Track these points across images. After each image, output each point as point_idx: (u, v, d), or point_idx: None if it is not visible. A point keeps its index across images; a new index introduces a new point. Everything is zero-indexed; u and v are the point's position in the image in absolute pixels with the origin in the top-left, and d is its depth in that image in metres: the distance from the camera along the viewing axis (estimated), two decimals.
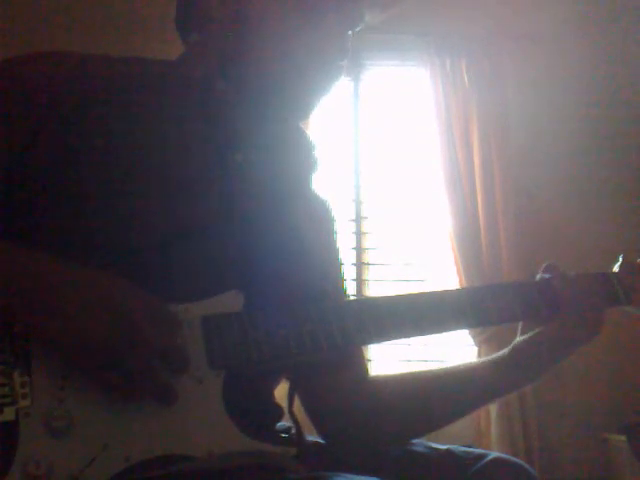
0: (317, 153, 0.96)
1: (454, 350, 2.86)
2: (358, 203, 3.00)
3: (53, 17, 2.80)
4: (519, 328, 0.96)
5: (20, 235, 0.76)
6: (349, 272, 2.93)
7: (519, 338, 0.94)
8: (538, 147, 2.91)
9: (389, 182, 3.00)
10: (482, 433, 2.75)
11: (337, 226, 1.00)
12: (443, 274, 2.84)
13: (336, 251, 0.99)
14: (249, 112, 0.87)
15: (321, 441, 0.94)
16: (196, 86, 0.87)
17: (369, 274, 2.97)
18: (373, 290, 2.97)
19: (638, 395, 2.71)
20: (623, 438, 2.58)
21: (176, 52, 0.94)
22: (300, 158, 0.95)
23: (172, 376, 0.71)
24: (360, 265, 2.96)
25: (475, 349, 2.75)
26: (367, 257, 2.98)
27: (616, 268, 0.97)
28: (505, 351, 0.94)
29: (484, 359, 0.96)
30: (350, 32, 0.91)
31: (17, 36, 2.62)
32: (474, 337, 2.74)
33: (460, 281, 2.79)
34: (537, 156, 2.91)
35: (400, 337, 0.83)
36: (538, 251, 2.73)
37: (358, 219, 2.99)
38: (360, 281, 2.95)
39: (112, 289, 0.70)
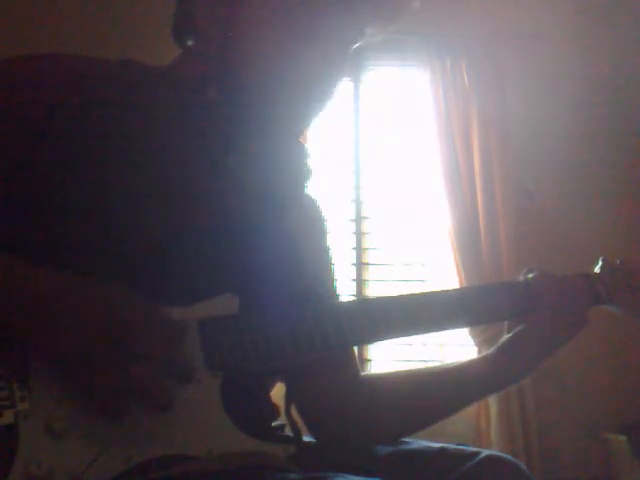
0: (311, 161, 0.96)
1: (454, 351, 2.86)
2: (358, 203, 3.00)
3: (51, 21, 2.81)
4: (505, 326, 0.97)
5: (18, 241, 0.75)
6: (349, 272, 2.93)
7: (505, 336, 0.96)
8: (538, 147, 2.91)
9: (389, 182, 3.00)
10: (482, 433, 2.75)
11: (328, 226, 1.01)
12: (443, 274, 2.84)
13: (328, 252, 1.00)
14: (241, 119, 0.87)
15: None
16: (190, 89, 0.87)
17: (369, 274, 2.97)
18: (373, 290, 2.97)
19: (638, 395, 2.71)
20: (623, 438, 2.58)
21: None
22: (293, 164, 0.95)
23: (174, 384, 0.71)
24: (360, 265, 2.96)
25: (475, 350, 2.75)
26: (367, 257, 2.99)
27: (597, 269, 0.99)
28: (493, 349, 0.96)
29: (475, 357, 0.98)
30: (350, 48, 0.89)
31: (15, 38, 2.63)
32: (474, 338, 2.74)
33: (460, 281, 2.79)
34: (537, 156, 2.91)
35: (393, 337, 0.85)
36: (538, 251, 2.73)
37: (358, 219, 2.99)
38: (360, 281, 2.95)
39: (111, 302, 0.69)
